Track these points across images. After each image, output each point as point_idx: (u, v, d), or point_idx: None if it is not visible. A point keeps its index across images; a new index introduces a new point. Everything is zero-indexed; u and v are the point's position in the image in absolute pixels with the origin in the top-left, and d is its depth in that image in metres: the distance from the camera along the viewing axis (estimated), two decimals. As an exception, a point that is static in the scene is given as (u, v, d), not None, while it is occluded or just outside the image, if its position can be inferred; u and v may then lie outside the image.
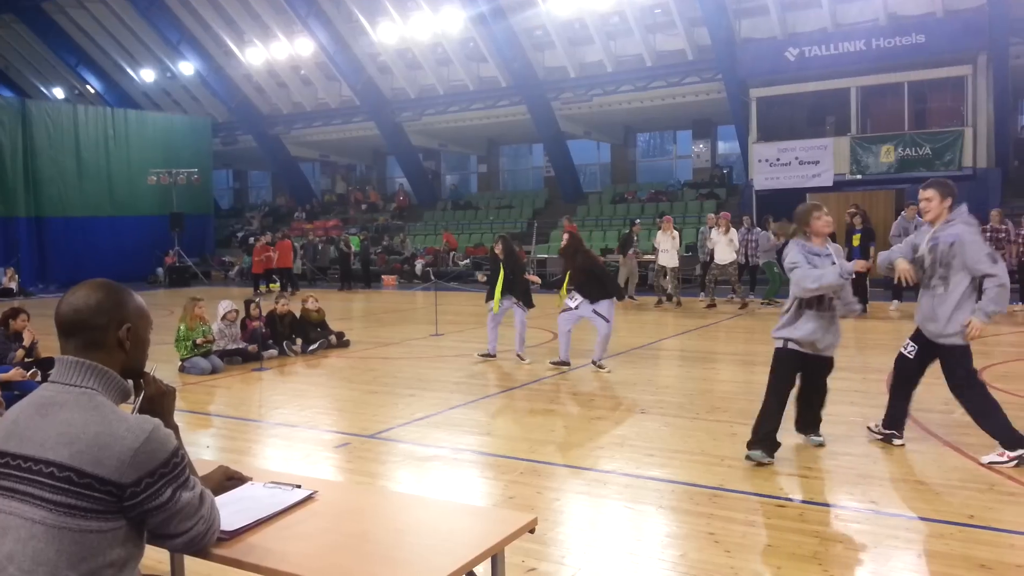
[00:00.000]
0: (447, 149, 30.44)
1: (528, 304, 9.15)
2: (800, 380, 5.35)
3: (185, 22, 28.27)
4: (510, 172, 31.47)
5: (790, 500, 4.50)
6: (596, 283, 8.41)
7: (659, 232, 15.52)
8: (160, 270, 25.39)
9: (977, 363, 7.97)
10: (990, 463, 4.89)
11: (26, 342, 7.90)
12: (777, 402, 5.14)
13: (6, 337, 7.83)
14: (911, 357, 5.19)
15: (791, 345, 5.09)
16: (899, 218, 13.26)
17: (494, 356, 9.27)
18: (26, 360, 7.74)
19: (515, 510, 4.24)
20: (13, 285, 21.23)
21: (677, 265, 15.15)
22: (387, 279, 23.18)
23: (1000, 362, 8.42)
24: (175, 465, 1.87)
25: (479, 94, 25.53)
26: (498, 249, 9.13)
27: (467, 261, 23.18)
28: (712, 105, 22.69)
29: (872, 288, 13.88)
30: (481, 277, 9.13)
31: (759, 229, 15.28)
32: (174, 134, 28.02)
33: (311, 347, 10.38)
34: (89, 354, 1.93)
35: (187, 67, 29.88)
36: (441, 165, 32.63)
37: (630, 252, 16.02)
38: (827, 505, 4.41)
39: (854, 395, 6.99)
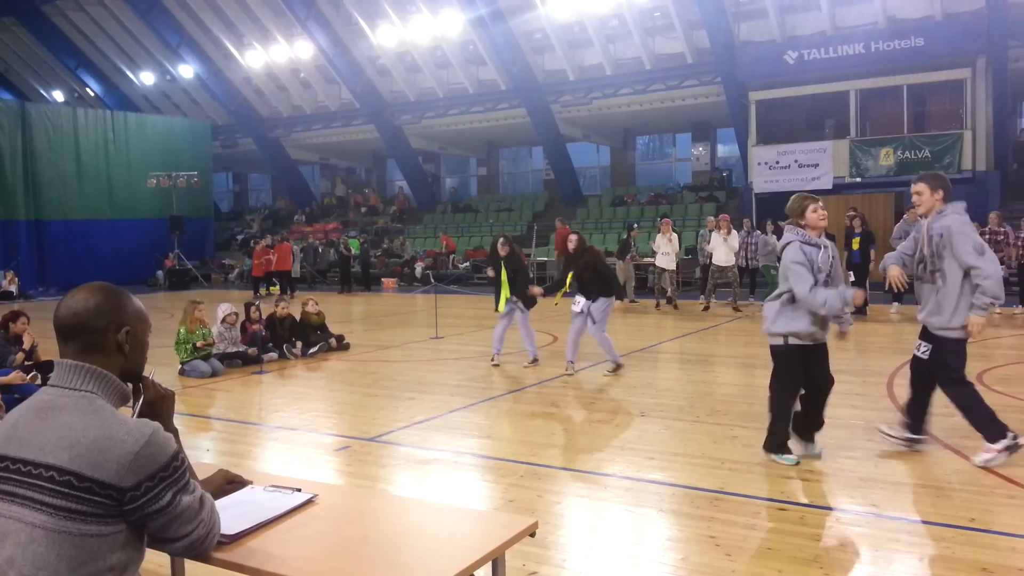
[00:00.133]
0: (447, 152, 30.47)
1: (528, 304, 9.11)
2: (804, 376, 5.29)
3: (185, 25, 28.30)
4: (510, 175, 31.49)
5: (791, 503, 4.49)
6: (601, 280, 8.41)
7: (658, 235, 15.54)
8: (160, 273, 25.37)
9: (978, 366, 8.00)
10: (984, 463, 4.89)
11: (26, 345, 7.89)
12: (792, 399, 5.12)
13: (6, 340, 7.83)
14: (926, 357, 5.15)
15: (792, 340, 5.02)
16: (901, 221, 13.27)
17: (496, 364, 9.20)
18: (26, 363, 7.73)
19: (515, 514, 4.22)
20: (13, 288, 21.22)
21: (675, 268, 15.17)
22: (387, 282, 23.19)
23: (1000, 365, 8.42)
24: (175, 469, 1.86)
25: (478, 97, 25.56)
26: (504, 250, 9.10)
27: (467, 264, 23.18)
28: (711, 108, 22.71)
29: (872, 291, 13.89)
30: (491, 272, 9.09)
31: (759, 232, 15.28)
32: (174, 137, 28.03)
33: (311, 350, 10.38)
34: (88, 357, 1.93)
35: (187, 70, 29.91)
36: (441, 168, 32.65)
37: (627, 257, 16.04)
38: (828, 508, 4.40)
39: (855, 398, 6.99)
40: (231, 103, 29.80)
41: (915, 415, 5.27)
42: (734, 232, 14.63)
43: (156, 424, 1.89)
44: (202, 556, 2.03)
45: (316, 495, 2.45)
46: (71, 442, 1.78)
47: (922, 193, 5.01)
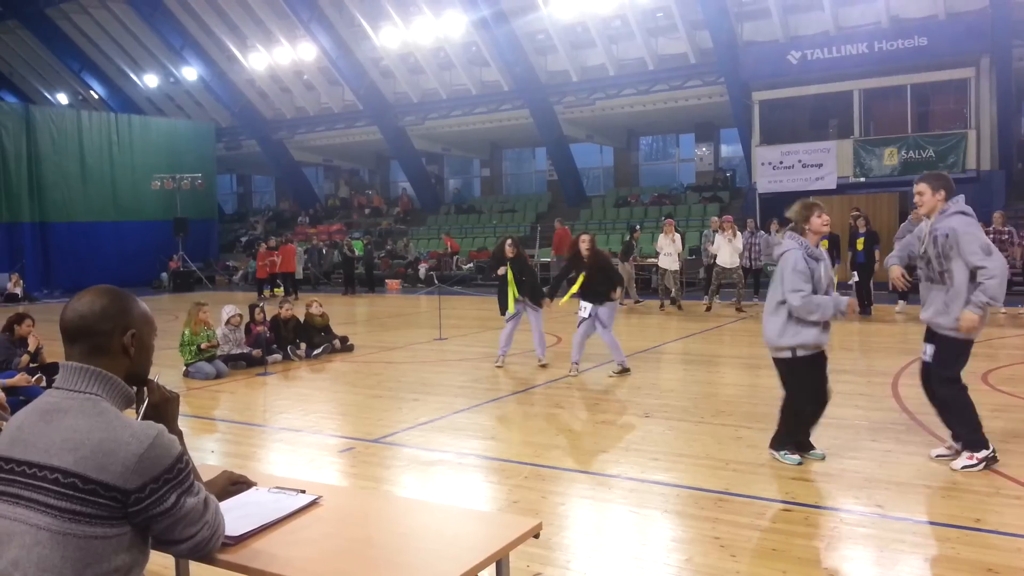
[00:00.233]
0: (450, 153, 30.49)
1: (538, 304, 9.10)
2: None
3: (188, 27, 28.37)
4: (513, 176, 31.50)
5: (796, 504, 4.48)
6: (608, 282, 8.41)
7: (661, 235, 15.53)
8: (164, 275, 25.43)
9: (982, 366, 7.98)
10: (962, 469, 4.87)
11: (31, 347, 7.91)
12: (806, 403, 5.13)
13: (11, 342, 7.85)
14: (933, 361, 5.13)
15: (800, 352, 5.04)
16: (906, 221, 13.24)
17: (501, 365, 9.19)
18: (31, 365, 7.76)
19: (520, 515, 4.22)
20: (18, 290, 21.31)
21: (678, 268, 15.16)
22: (391, 283, 23.21)
23: (1005, 365, 8.39)
24: (179, 471, 1.87)
25: (482, 98, 25.57)
26: (511, 251, 9.09)
27: (470, 265, 23.19)
28: (714, 108, 22.69)
29: (877, 291, 13.87)
30: (500, 271, 9.03)
31: (763, 232, 15.26)
32: (178, 139, 28.09)
33: (315, 351, 10.39)
34: (94, 360, 1.94)
35: (190, 72, 29.97)
36: (444, 169, 32.67)
37: (631, 258, 16.04)
38: (833, 509, 4.39)
39: (859, 399, 6.97)
40: (235, 105, 29.85)
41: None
42: (738, 233, 14.62)
43: (160, 426, 1.89)
44: (207, 558, 2.03)
45: (320, 496, 2.45)
46: (76, 444, 1.79)
47: (923, 193, 5.00)
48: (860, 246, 13.28)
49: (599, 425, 6.50)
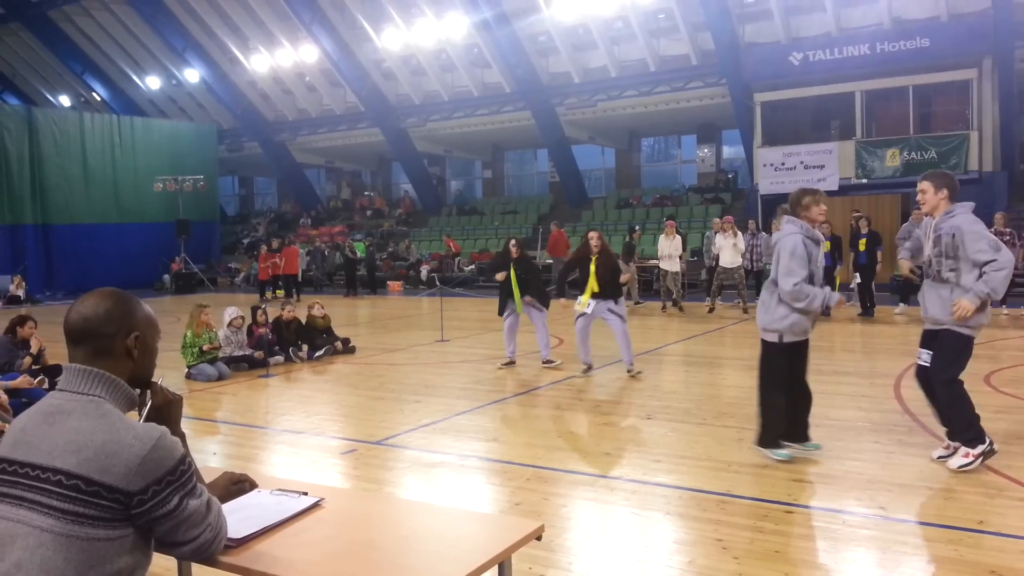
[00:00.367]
0: (452, 155, 30.50)
1: (545, 304, 9.11)
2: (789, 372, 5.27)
3: (190, 29, 28.41)
4: (515, 177, 31.51)
5: (798, 506, 4.48)
6: (615, 279, 8.42)
7: (662, 236, 15.52)
8: (166, 277, 25.47)
9: (985, 367, 7.97)
10: (960, 468, 4.86)
11: (33, 349, 7.92)
12: (782, 395, 5.17)
13: (13, 344, 7.86)
14: (929, 365, 5.12)
15: (787, 338, 5.09)
16: (908, 221, 13.24)
17: (514, 363, 9.23)
18: (33, 367, 7.76)
19: (522, 517, 4.22)
20: (20, 292, 21.33)
21: (679, 270, 15.15)
22: (392, 285, 23.22)
23: (1008, 366, 8.38)
24: (182, 473, 1.87)
25: (483, 100, 25.59)
26: (516, 251, 9.09)
27: (472, 266, 23.20)
28: (716, 110, 22.69)
29: (879, 292, 13.85)
30: (499, 277, 9.05)
31: (764, 233, 15.23)
32: (180, 141, 28.13)
33: (317, 353, 10.39)
34: (97, 362, 1.94)
35: (192, 74, 30.02)
36: (446, 171, 32.69)
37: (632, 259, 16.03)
38: (836, 511, 4.38)
39: (861, 400, 6.97)
40: (237, 107, 29.89)
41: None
42: (740, 234, 14.61)
43: (163, 428, 1.90)
44: (209, 560, 2.03)
45: (322, 498, 2.45)
46: (79, 446, 1.79)
47: (926, 192, 5.00)
48: (862, 247, 13.27)
49: (601, 427, 6.50)
